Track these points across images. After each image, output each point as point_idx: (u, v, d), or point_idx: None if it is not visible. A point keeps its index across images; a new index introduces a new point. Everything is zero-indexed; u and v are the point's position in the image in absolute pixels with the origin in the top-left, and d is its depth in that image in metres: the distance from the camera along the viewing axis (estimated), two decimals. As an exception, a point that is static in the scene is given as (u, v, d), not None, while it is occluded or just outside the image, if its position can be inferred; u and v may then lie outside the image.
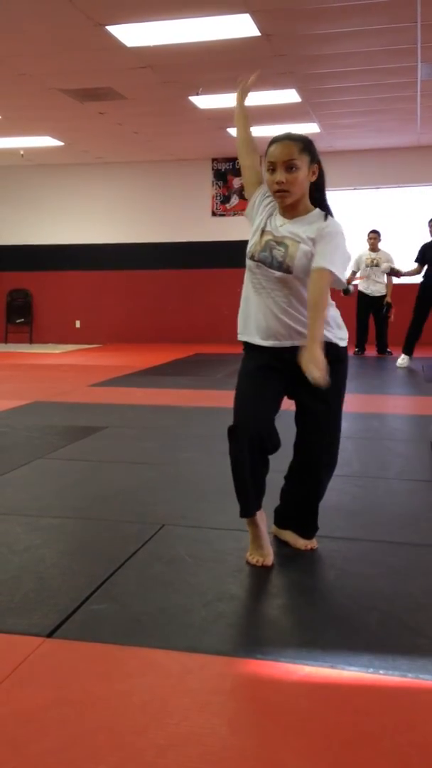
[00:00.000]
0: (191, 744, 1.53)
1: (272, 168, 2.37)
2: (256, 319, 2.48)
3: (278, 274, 2.39)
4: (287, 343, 2.43)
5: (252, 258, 2.46)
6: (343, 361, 2.52)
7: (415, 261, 8.63)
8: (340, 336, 2.51)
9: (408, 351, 8.53)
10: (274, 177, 2.37)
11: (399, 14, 6.17)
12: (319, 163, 2.42)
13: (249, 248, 2.48)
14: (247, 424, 2.41)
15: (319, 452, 2.54)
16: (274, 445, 2.45)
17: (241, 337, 2.55)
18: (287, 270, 2.38)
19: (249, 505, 2.48)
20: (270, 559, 2.49)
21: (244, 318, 2.53)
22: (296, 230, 2.39)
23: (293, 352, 2.38)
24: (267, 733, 1.58)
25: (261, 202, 2.53)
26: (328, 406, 2.50)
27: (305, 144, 2.38)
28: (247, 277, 2.51)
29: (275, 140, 2.39)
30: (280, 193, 2.38)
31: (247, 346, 2.55)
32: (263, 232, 2.46)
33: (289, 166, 2.34)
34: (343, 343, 2.51)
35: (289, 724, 1.61)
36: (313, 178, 2.41)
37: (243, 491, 2.46)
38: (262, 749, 1.52)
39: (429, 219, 8.50)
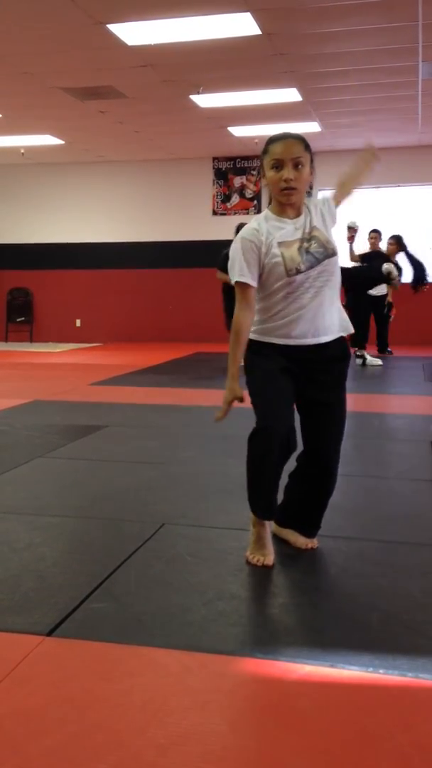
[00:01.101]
0: (191, 743, 1.52)
1: (278, 165, 2.36)
2: (295, 323, 2.42)
3: (332, 262, 2.41)
4: (321, 340, 2.45)
5: (298, 272, 2.36)
6: (350, 356, 2.58)
7: (360, 255, 8.93)
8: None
9: (362, 345, 8.73)
10: (281, 174, 2.35)
11: (400, 13, 6.17)
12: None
13: (283, 270, 2.36)
14: (275, 425, 2.41)
15: (333, 444, 2.55)
16: (294, 447, 2.48)
17: (263, 339, 2.47)
18: (332, 252, 2.41)
19: (272, 506, 2.50)
20: (271, 559, 2.48)
21: (272, 323, 2.45)
22: (307, 223, 2.43)
23: (311, 350, 2.43)
24: (267, 732, 1.58)
25: (252, 250, 2.40)
26: (339, 397, 2.53)
27: (306, 143, 2.41)
28: (279, 296, 2.41)
29: (277, 138, 2.39)
30: (287, 190, 2.36)
31: (257, 345, 2.48)
32: (280, 244, 2.38)
33: (296, 164, 2.35)
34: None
35: (290, 723, 1.61)
36: (312, 178, 2.43)
37: (267, 492, 2.47)
38: (262, 748, 1.52)
39: (390, 235, 8.70)
